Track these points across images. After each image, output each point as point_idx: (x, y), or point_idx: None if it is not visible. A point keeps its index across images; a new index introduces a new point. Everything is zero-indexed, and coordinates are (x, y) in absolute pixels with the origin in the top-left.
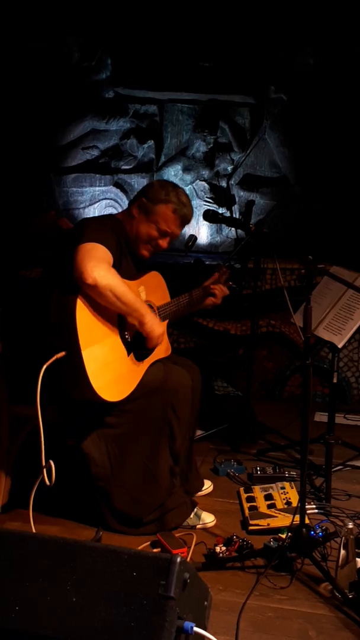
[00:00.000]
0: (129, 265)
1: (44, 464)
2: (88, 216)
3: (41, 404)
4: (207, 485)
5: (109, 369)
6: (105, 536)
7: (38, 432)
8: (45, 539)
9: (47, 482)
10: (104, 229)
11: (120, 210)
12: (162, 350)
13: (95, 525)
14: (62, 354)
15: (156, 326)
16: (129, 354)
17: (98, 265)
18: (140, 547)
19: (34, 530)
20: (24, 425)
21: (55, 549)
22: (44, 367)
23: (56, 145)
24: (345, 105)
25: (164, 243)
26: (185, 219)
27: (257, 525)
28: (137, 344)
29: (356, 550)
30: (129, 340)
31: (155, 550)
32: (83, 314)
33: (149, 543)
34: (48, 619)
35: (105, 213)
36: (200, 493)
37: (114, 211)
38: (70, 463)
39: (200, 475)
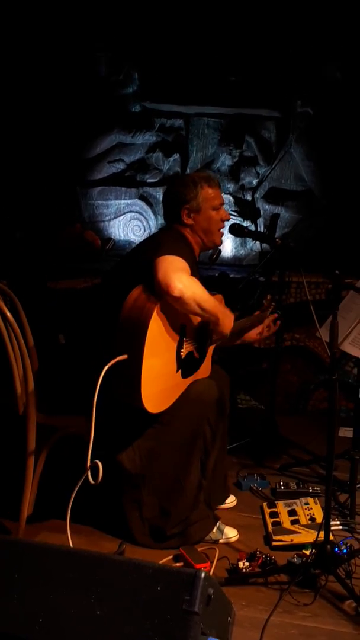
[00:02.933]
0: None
1: (89, 464)
2: (113, 228)
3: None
4: (231, 500)
5: (159, 381)
6: (128, 549)
7: (88, 432)
8: (70, 551)
9: (92, 481)
10: (179, 242)
11: (146, 223)
12: (204, 370)
13: (118, 537)
14: (124, 357)
15: (227, 321)
16: (177, 369)
17: (182, 277)
18: (162, 561)
19: (70, 543)
20: (51, 436)
21: (79, 562)
22: (106, 367)
23: (83, 158)
24: None
25: (224, 213)
26: (217, 183)
27: (281, 541)
28: (187, 361)
29: None
30: (182, 357)
31: (177, 564)
32: (155, 326)
33: (171, 557)
34: (72, 631)
35: (130, 226)
36: (223, 506)
37: (139, 224)
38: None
39: (229, 488)
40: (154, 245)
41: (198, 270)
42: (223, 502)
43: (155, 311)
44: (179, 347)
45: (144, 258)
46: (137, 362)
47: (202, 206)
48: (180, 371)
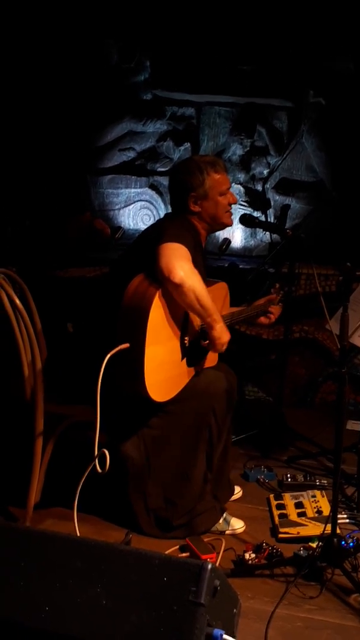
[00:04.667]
0: (200, 267)
1: (96, 452)
2: (123, 217)
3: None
4: (237, 491)
5: (163, 369)
6: (134, 539)
7: (94, 421)
8: (77, 540)
9: (99, 470)
10: (183, 230)
11: (156, 212)
12: (211, 359)
13: (124, 527)
14: (126, 345)
15: (224, 334)
16: (182, 358)
17: (185, 266)
18: (168, 551)
19: (78, 532)
20: (58, 424)
21: (87, 551)
22: (108, 356)
23: (93, 146)
24: None
25: (231, 197)
26: (222, 166)
27: (287, 533)
28: (192, 350)
29: None
30: (187, 345)
31: (183, 554)
32: (156, 313)
33: (177, 547)
34: (77, 621)
35: (140, 215)
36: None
37: (149, 213)
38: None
39: (232, 482)
40: (158, 233)
41: (204, 257)
42: (229, 499)
43: (156, 297)
44: (183, 335)
45: (148, 246)
46: (139, 350)
47: (209, 193)
48: (185, 360)
